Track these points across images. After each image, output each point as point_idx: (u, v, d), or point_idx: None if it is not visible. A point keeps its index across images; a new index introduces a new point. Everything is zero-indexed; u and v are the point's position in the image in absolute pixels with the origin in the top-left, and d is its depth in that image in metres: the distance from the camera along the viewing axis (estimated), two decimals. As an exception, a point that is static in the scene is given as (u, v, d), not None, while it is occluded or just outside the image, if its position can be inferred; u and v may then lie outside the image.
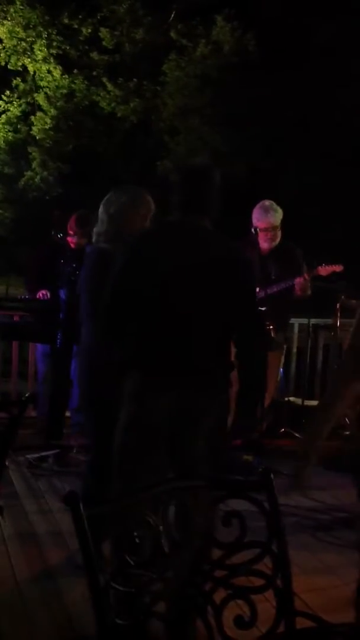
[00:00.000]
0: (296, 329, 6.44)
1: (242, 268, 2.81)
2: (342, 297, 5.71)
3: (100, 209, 3.34)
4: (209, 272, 2.68)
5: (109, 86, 14.11)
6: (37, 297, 5.23)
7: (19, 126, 14.61)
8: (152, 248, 2.75)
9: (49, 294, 5.17)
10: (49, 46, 14.03)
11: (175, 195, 2.80)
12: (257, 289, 5.03)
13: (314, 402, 6.19)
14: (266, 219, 5.01)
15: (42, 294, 5.19)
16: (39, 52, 13.97)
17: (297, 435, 5.58)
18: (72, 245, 5.13)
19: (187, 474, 2.49)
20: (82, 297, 3.38)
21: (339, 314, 5.75)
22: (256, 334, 2.89)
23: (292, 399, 6.13)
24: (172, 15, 14.25)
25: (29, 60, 14.11)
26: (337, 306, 5.72)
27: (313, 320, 6.18)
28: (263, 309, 4.88)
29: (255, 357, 2.93)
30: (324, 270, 5.07)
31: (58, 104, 14.23)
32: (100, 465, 3.15)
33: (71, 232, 5.14)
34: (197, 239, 2.74)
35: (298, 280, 4.98)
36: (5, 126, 14.41)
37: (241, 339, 2.78)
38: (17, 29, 13.72)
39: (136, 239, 2.86)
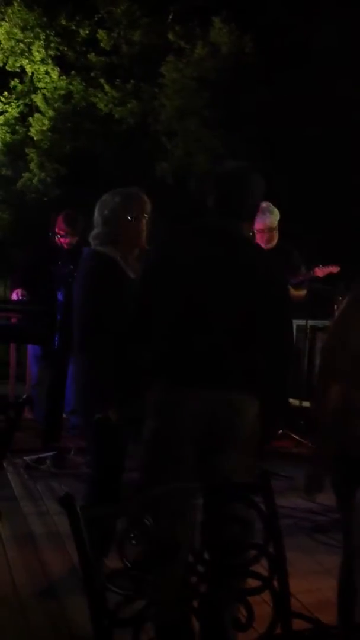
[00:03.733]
0: (294, 331, 6.45)
1: (274, 278, 2.66)
2: (340, 298, 5.72)
3: (96, 212, 3.28)
4: (240, 279, 2.54)
5: (107, 88, 14.12)
6: (11, 297, 5.25)
7: (16, 127, 14.62)
8: (180, 252, 2.59)
9: (21, 294, 5.17)
10: (46, 47, 14.05)
11: (209, 196, 2.64)
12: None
13: (312, 404, 6.21)
14: (262, 220, 5.01)
15: (16, 293, 5.20)
16: (36, 54, 13.98)
17: (294, 436, 5.58)
18: (65, 246, 5.13)
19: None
20: (75, 311, 3.23)
21: (336, 316, 5.76)
22: (285, 345, 2.68)
23: (290, 400, 6.13)
24: (170, 17, 14.27)
25: (27, 61, 14.12)
26: (335, 308, 5.73)
27: (311, 322, 6.19)
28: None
29: (283, 370, 2.71)
30: (321, 271, 5.08)
31: (56, 105, 14.24)
32: (100, 481, 3.15)
33: (61, 233, 5.15)
34: (229, 243, 2.58)
35: None
36: (3, 127, 14.41)
37: (269, 348, 2.60)
38: (15, 30, 13.74)
39: (162, 243, 2.70)
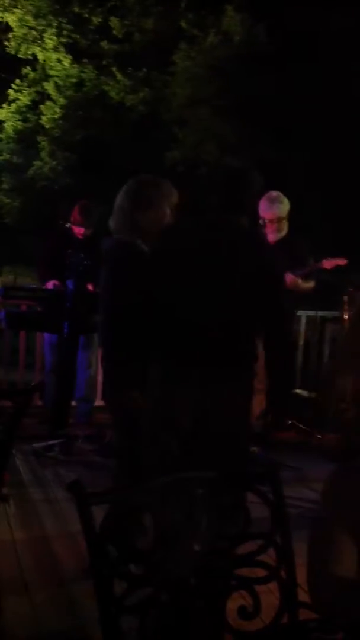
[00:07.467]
0: (304, 321, 6.43)
1: (268, 264, 2.88)
2: (351, 290, 5.70)
3: (121, 199, 3.13)
4: (237, 267, 2.73)
5: (119, 76, 14.07)
6: (48, 287, 5.13)
7: (28, 115, 14.60)
8: (181, 242, 2.84)
9: (58, 284, 5.11)
10: (59, 35, 14.02)
11: (215, 195, 2.90)
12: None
13: (320, 395, 6.20)
14: (272, 210, 4.99)
15: (53, 284, 5.10)
16: (49, 41, 13.95)
17: (303, 427, 5.58)
18: (79, 236, 5.12)
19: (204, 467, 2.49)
20: (106, 299, 3.15)
21: (346, 307, 5.73)
22: (282, 328, 2.97)
23: (298, 391, 6.13)
24: (182, 5, 14.18)
25: (39, 48, 14.09)
26: (345, 299, 5.71)
27: (321, 313, 6.17)
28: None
29: (283, 350, 3.00)
30: (329, 263, 5.06)
31: (67, 93, 14.21)
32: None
33: (76, 224, 5.14)
34: (229, 234, 2.80)
35: (288, 278, 4.96)
36: (15, 115, 14.41)
37: (268, 333, 2.85)
38: (28, 18, 13.71)
39: (168, 233, 2.95)
